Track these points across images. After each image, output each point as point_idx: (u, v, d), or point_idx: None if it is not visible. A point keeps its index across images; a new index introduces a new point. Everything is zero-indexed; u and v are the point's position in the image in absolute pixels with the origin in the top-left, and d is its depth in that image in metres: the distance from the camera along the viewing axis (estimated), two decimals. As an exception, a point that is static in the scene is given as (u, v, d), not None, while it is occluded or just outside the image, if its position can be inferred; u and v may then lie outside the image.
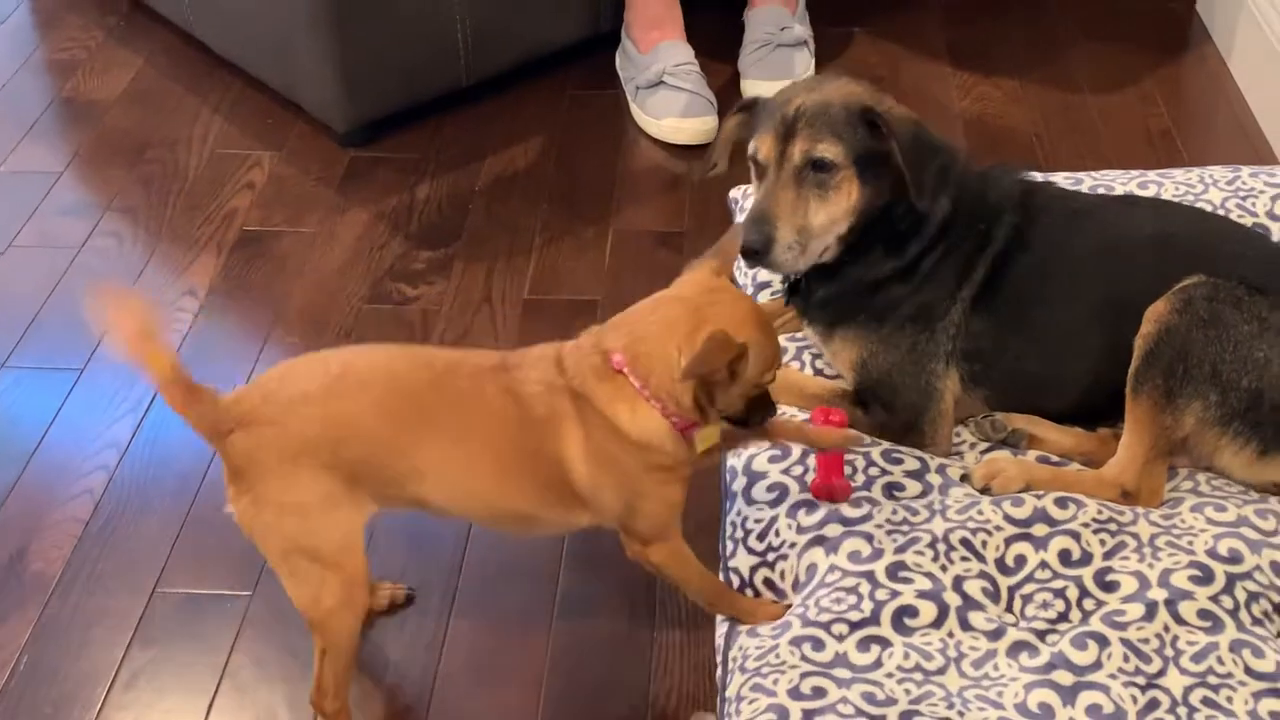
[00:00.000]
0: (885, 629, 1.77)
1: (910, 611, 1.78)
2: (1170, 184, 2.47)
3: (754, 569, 1.88)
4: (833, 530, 1.89)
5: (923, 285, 2.03)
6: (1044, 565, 1.83)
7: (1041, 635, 1.76)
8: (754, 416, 1.77)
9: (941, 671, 1.72)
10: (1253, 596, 1.78)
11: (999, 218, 2.04)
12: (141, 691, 1.94)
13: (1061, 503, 1.90)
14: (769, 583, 1.87)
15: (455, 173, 2.96)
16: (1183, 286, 1.93)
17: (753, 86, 3.12)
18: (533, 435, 1.69)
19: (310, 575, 1.70)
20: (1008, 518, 1.89)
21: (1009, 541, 1.86)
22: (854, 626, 1.77)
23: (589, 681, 1.93)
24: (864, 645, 1.76)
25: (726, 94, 3.14)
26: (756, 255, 1.97)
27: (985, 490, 1.94)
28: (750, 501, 1.95)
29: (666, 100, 3.03)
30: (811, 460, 1.96)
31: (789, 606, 1.78)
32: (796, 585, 1.85)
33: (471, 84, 3.11)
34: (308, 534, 1.68)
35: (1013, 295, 2.03)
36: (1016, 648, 1.74)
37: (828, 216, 1.96)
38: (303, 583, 1.71)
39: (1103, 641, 1.72)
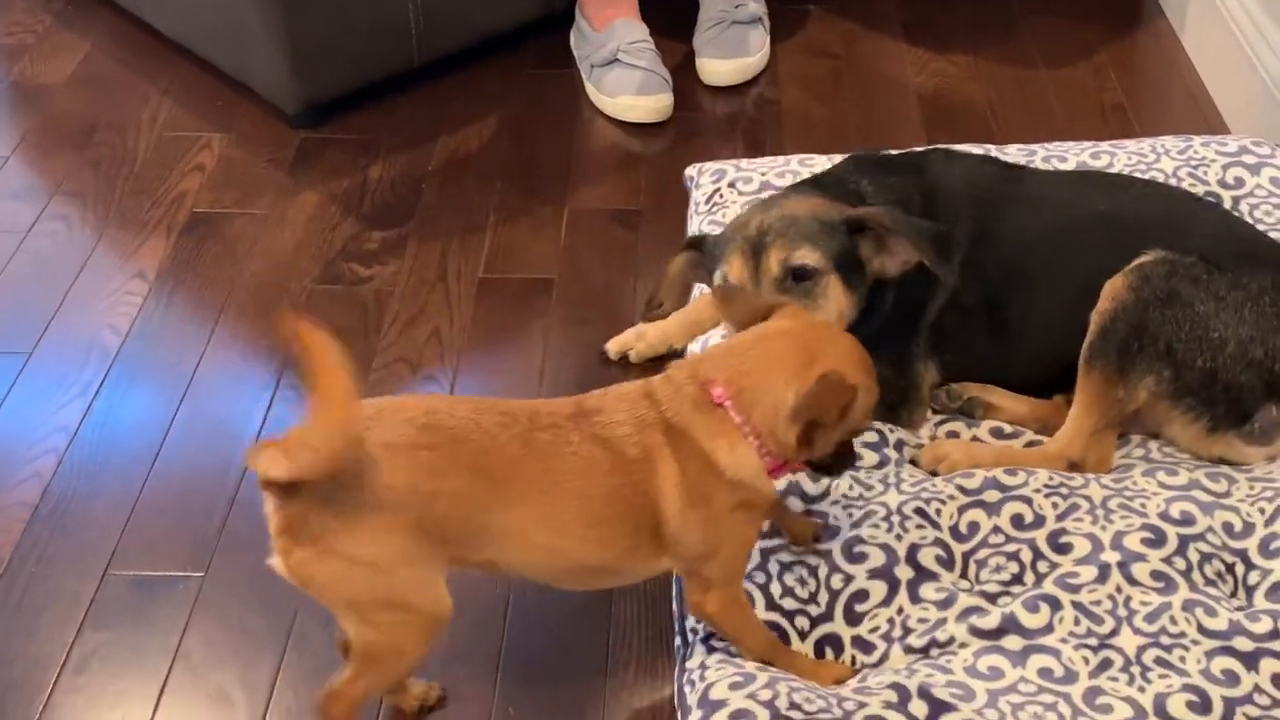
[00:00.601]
0: (838, 624, 1.78)
1: (860, 596, 1.79)
2: (1123, 154, 2.49)
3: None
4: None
5: (904, 302, 2.03)
6: (997, 530, 1.84)
7: (993, 598, 1.77)
8: (838, 463, 1.71)
9: (885, 657, 1.73)
10: (1205, 557, 1.79)
11: (958, 216, 2.04)
12: (93, 675, 1.91)
13: (1012, 471, 1.91)
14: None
15: (408, 153, 2.93)
16: (1140, 264, 1.94)
17: (708, 65, 3.12)
18: (625, 479, 1.61)
19: (384, 621, 1.60)
20: (960, 488, 1.90)
21: (962, 510, 1.87)
22: (814, 622, 1.78)
23: (546, 657, 1.92)
24: (820, 648, 1.79)
25: (682, 72, 3.13)
26: None
27: (933, 473, 1.95)
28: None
29: (621, 78, 3.01)
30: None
31: (856, 671, 1.75)
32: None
33: (424, 64, 3.08)
34: (383, 588, 1.57)
35: (980, 288, 2.04)
36: (968, 612, 1.75)
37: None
38: (375, 629, 1.60)
39: (1055, 604, 1.73)
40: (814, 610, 1.80)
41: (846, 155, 2.25)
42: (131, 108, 3.07)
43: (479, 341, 2.46)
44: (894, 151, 2.30)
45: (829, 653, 1.77)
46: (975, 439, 2.04)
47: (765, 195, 2.18)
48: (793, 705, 1.60)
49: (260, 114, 3.03)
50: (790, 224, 1.91)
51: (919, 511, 1.86)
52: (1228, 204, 2.35)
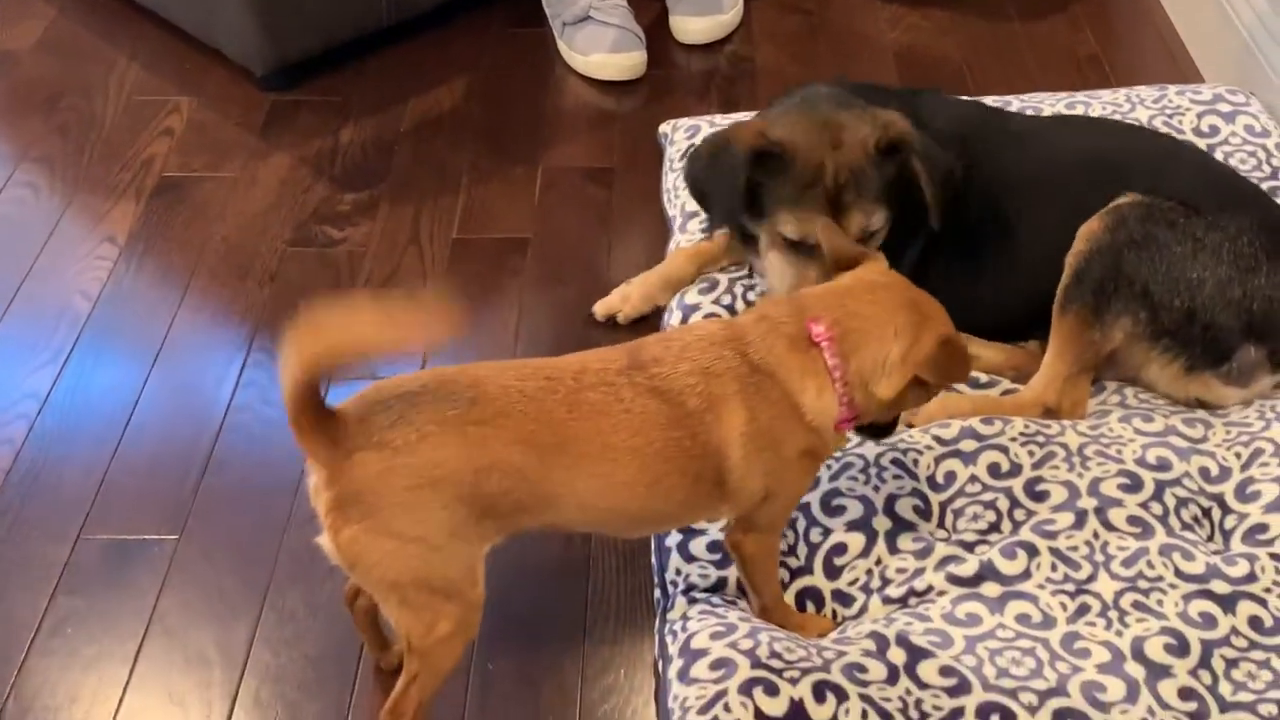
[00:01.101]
0: (817, 578, 1.78)
1: (839, 549, 1.79)
2: (1098, 105, 2.48)
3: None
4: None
5: (889, 237, 2.02)
6: (974, 479, 1.83)
7: (970, 547, 1.77)
8: (889, 429, 1.71)
9: (864, 601, 1.72)
10: (1182, 502, 1.79)
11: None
12: (68, 639, 1.90)
13: (988, 420, 1.90)
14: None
15: (380, 114, 2.90)
16: (1116, 205, 1.93)
17: (681, 22, 3.09)
18: (685, 432, 1.57)
19: (426, 606, 1.56)
20: (937, 438, 1.89)
21: (939, 460, 1.87)
22: (794, 575, 1.78)
23: (524, 611, 1.91)
24: (800, 601, 1.78)
25: (655, 29, 3.10)
26: None
27: (908, 425, 1.94)
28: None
29: (594, 36, 2.99)
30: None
31: (837, 624, 1.76)
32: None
33: (394, 24, 3.05)
34: (428, 566, 1.54)
35: (961, 224, 2.02)
36: (945, 560, 1.75)
37: None
38: (416, 613, 1.56)
39: (1032, 551, 1.73)
40: (793, 563, 1.80)
41: (837, 76, 2.22)
42: (99, 72, 3.04)
43: (454, 302, 2.43)
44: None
45: (810, 606, 1.77)
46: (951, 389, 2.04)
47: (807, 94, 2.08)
48: (773, 654, 1.60)
49: (229, 76, 3.00)
50: (862, 177, 1.91)
51: (896, 462, 1.86)
52: (1202, 152, 2.34)
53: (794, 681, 1.57)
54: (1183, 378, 1.94)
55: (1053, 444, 1.85)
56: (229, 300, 2.44)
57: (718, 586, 1.78)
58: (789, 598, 1.78)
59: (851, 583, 1.76)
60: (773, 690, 1.56)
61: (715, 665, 1.60)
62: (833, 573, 1.78)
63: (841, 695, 1.57)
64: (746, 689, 1.56)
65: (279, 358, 1.46)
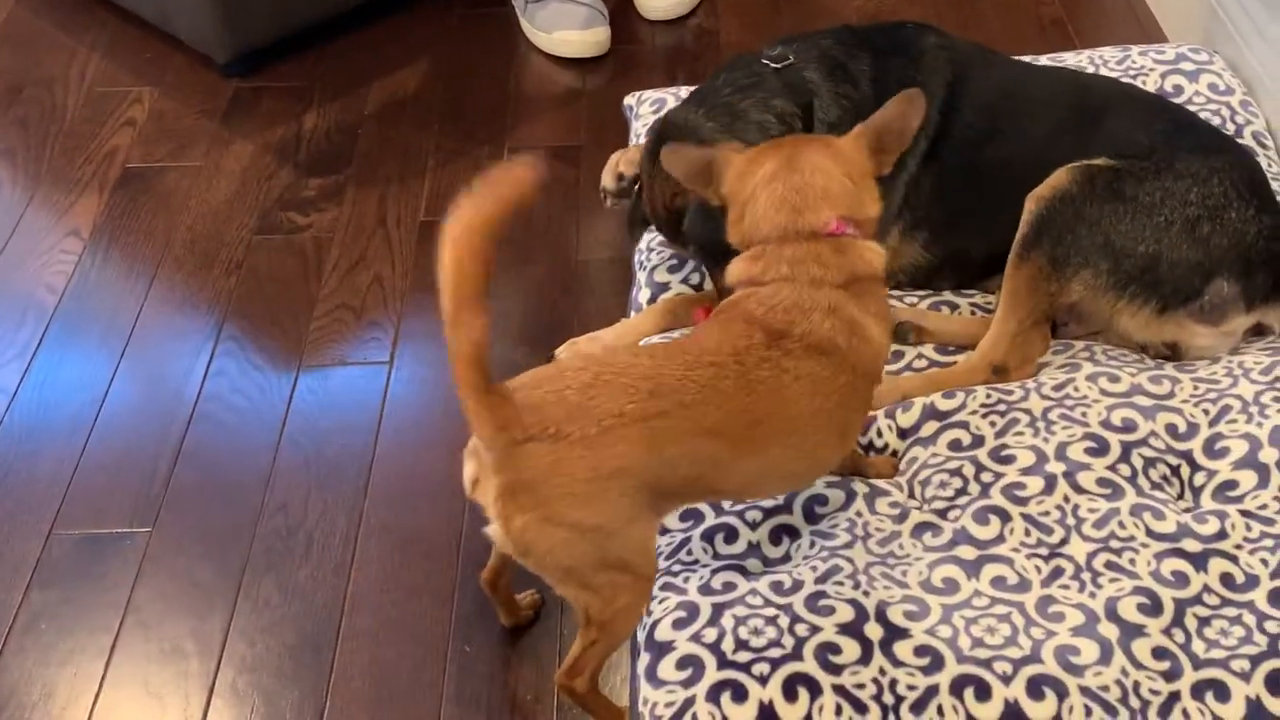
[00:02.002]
0: (796, 517, 1.77)
1: (820, 500, 1.79)
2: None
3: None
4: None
5: None
6: (935, 455, 1.83)
7: (943, 514, 1.77)
8: None
9: (849, 546, 1.72)
10: (1150, 462, 1.79)
11: (934, 72, 2.04)
12: (42, 634, 1.89)
13: (950, 393, 1.90)
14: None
15: (343, 99, 2.89)
16: (1087, 164, 1.93)
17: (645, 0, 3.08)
18: (849, 371, 1.61)
19: (603, 584, 1.55)
20: (900, 432, 1.89)
21: (903, 448, 1.87)
22: (766, 514, 1.78)
23: (500, 594, 1.91)
24: (775, 536, 1.76)
25: (620, 5, 3.09)
26: None
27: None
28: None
29: (557, 13, 2.97)
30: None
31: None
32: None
33: (355, 7, 3.03)
34: (604, 550, 1.52)
35: (955, 139, 2.04)
36: (921, 528, 1.75)
37: None
38: (593, 591, 1.55)
39: (1004, 516, 1.73)
40: (767, 503, 1.79)
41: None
42: (59, 64, 3.01)
43: (422, 285, 2.43)
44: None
45: (784, 541, 1.75)
46: (912, 365, 2.03)
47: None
48: (739, 644, 1.59)
49: (191, 65, 2.98)
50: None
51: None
52: (1167, 112, 2.34)
53: (763, 680, 1.56)
54: (1155, 321, 1.92)
55: (1015, 411, 1.84)
56: (195, 290, 2.43)
57: (680, 547, 1.77)
58: (761, 534, 1.77)
59: (833, 525, 1.75)
60: (741, 695, 1.55)
61: (682, 664, 1.59)
62: (813, 518, 1.77)
63: (815, 690, 1.55)
64: (714, 695, 1.55)
65: (446, 318, 1.37)
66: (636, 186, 2.23)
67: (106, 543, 2.01)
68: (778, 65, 2.02)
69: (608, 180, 2.32)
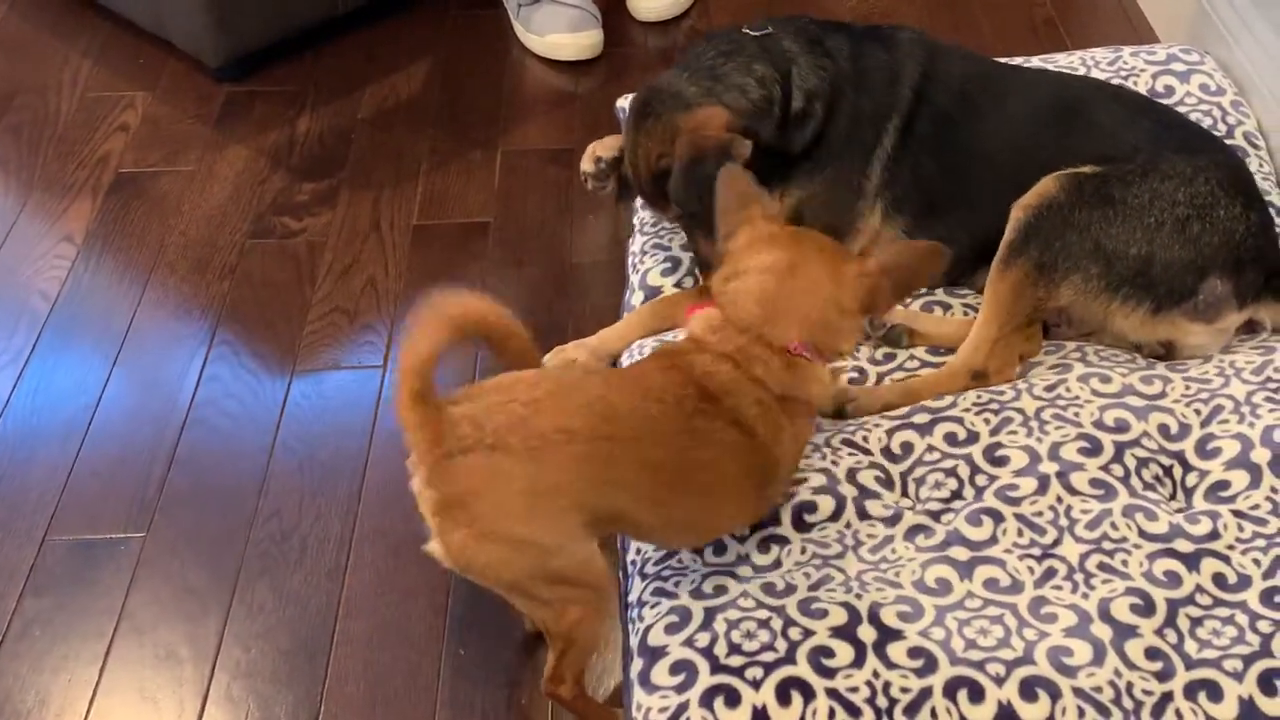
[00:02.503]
0: (785, 528, 1.77)
1: (809, 507, 1.78)
2: (1053, 69, 2.47)
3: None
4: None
5: (851, 123, 2.05)
6: (931, 449, 1.83)
7: (936, 515, 1.77)
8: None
9: (840, 556, 1.72)
10: (1142, 462, 1.79)
11: (908, 58, 2.08)
12: (36, 640, 1.89)
13: (938, 396, 1.90)
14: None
15: (336, 103, 2.89)
16: (1075, 172, 1.93)
17: (638, 0, 3.08)
18: (760, 456, 1.63)
19: (551, 597, 1.56)
20: (885, 415, 1.89)
21: (891, 433, 1.86)
22: (753, 527, 1.77)
23: (496, 596, 1.90)
24: (764, 546, 1.76)
25: (613, 7, 3.09)
26: None
27: (839, 414, 1.93)
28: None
29: (550, 16, 2.97)
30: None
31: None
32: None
33: (348, 11, 3.03)
34: (544, 566, 1.52)
35: (929, 119, 2.06)
36: (913, 531, 1.75)
37: None
38: (542, 604, 1.58)
39: (997, 517, 1.73)
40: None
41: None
42: (51, 70, 3.01)
43: (416, 288, 2.43)
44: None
45: (774, 549, 1.75)
46: (904, 366, 2.03)
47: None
48: (732, 649, 1.59)
49: (184, 70, 2.98)
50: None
51: (847, 442, 1.86)
52: (1158, 112, 2.35)
53: (756, 684, 1.55)
54: (1150, 321, 1.92)
55: (1008, 410, 1.84)
56: (189, 295, 2.43)
57: (667, 555, 1.77)
58: (750, 547, 1.77)
59: (824, 535, 1.75)
60: (734, 699, 1.54)
61: (675, 669, 1.58)
62: (803, 527, 1.77)
63: (808, 693, 1.55)
64: (707, 700, 1.54)
65: (409, 329, 1.43)
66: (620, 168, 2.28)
67: (100, 548, 2.01)
68: (757, 34, 2.08)
69: (586, 164, 2.36)
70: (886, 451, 1.84)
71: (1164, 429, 1.82)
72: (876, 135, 2.06)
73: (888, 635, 1.61)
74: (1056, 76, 2.23)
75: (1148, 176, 1.91)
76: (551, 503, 1.49)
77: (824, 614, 1.63)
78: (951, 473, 1.79)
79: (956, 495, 1.78)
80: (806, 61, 2.06)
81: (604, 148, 2.35)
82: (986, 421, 1.83)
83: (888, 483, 1.82)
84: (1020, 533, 1.72)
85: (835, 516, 1.78)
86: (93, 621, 1.92)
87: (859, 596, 1.65)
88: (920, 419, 1.86)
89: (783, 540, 1.76)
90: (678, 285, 2.18)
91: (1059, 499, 1.74)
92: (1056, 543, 1.71)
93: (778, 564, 1.74)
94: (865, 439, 1.86)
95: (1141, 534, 1.70)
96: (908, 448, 1.84)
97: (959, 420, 1.84)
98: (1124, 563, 1.68)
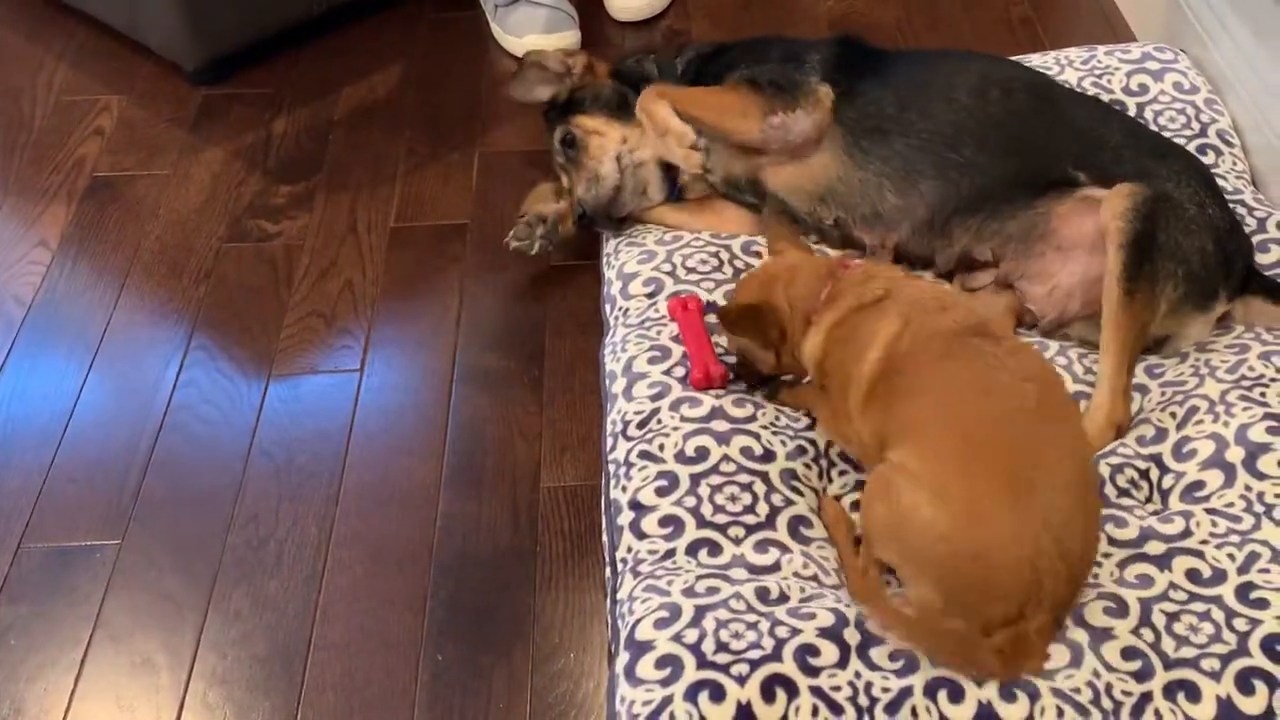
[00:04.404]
0: (781, 534, 1.77)
1: (806, 522, 1.78)
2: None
3: (631, 449, 1.87)
4: (720, 425, 1.88)
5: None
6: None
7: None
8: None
9: (837, 588, 1.71)
10: (1116, 469, 1.80)
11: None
12: (11, 649, 1.88)
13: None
14: (647, 455, 1.85)
15: (312, 105, 2.87)
16: (1130, 189, 1.93)
17: (615, 0, 3.07)
18: None
19: None
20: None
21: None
22: (750, 530, 1.77)
23: (473, 600, 1.91)
24: (761, 548, 1.75)
25: (590, 7, 3.08)
26: None
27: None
28: (630, 399, 1.93)
29: (526, 17, 2.96)
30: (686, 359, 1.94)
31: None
32: (681, 457, 1.84)
33: (324, 13, 3.02)
34: None
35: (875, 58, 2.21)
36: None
37: None
38: None
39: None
40: (750, 520, 1.78)
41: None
42: (26, 74, 2.99)
43: (393, 291, 2.42)
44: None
45: (773, 550, 1.75)
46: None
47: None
48: (720, 646, 1.59)
49: (159, 73, 2.96)
50: None
51: (843, 456, 1.86)
52: (1132, 111, 2.35)
53: (741, 680, 1.56)
54: (1172, 315, 1.93)
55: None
56: (165, 300, 2.42)
57: (665, 557, 1.77)
58: (748, 548, 1.77)
59: (824, 557, 1.75)
60: (719, 695, 1.55)
61: (661, 663, 1.59)
62: (801, 539, 1.77)
63: (792, 691, 1.55)
64: (692, 695, 1.55)
65: None
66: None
67: (76, 555, 2.00)
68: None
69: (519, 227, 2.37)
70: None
71: (1140, 437, 1.82)
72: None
73: (871, 639, 1.61)
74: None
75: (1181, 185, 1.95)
76: None
77: (812, 616, 1.63)
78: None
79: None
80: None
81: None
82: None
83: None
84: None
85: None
86: (69, 629, 1.90)
87: (848, 605, 1.65)
88: None
89: (782, 547, 1.75)
90: (656, 270, 2.18)
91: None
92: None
93: (776, 567, 1.73)
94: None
95: (1112, 542, 1.71)
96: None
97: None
98: (1095, 576, 1.68)
